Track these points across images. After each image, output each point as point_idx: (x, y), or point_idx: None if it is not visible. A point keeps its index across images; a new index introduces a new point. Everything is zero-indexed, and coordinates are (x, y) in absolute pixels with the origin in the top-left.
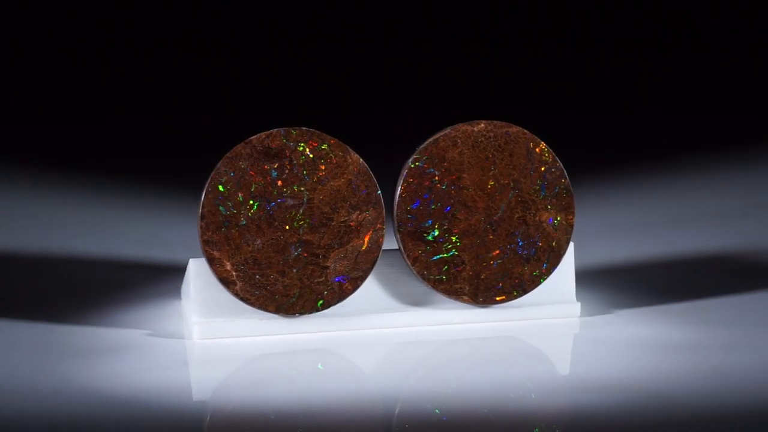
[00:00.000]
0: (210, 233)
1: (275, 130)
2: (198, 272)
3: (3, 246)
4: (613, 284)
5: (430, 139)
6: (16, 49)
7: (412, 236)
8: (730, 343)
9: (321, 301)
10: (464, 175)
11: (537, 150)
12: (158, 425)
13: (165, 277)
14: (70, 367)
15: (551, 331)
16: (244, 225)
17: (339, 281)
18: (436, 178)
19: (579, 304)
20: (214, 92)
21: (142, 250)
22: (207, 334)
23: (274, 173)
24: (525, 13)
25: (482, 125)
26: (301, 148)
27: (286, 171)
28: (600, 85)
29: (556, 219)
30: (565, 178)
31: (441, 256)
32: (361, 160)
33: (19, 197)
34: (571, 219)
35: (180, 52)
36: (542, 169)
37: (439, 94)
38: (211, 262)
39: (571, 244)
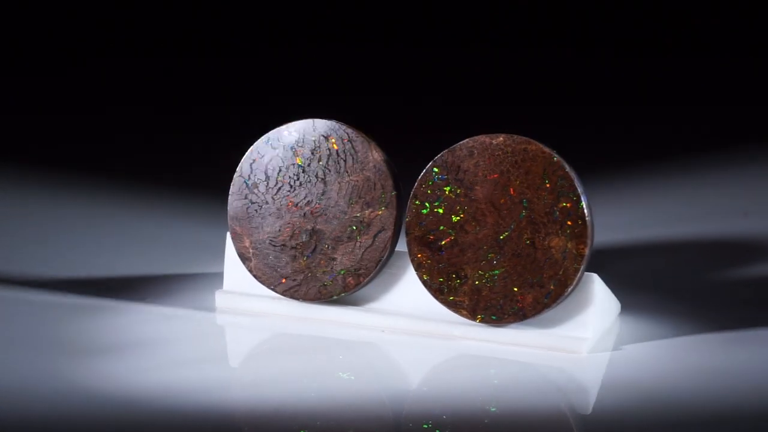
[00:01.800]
0: (236, 209)
1: (305, 120)
2: (230, 246)
3: (4, 246)
4: (613, 284)
5: (449, 148)
6: (17, 49)
7: (418, 241)
8: (730, 343)
9: (324, 290)
10: (477, 187)
11: (555, 171)
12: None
13: (168, 278)
14: (79, 365)
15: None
16: (266, 207)
17: (342, 274)
18: (448, 186)
19: (588, 339)
20: (213, 92)
21: (145, 248)
22: (224, 305)
23: (299, 161)
24: (525, 13)
25: (501, 138)
26: (326, 140)
27: (310, 160)
28: (600, 85)
29: (566, 246)
30: (582, 206)
31: (444, 265)
32: (382, 158)
33: (20, 197)
34: (583, 249)
35: (180, 52)
36: (557, 192)
37: (438, 94)
38: (234, 236)
39: (596, 277)
